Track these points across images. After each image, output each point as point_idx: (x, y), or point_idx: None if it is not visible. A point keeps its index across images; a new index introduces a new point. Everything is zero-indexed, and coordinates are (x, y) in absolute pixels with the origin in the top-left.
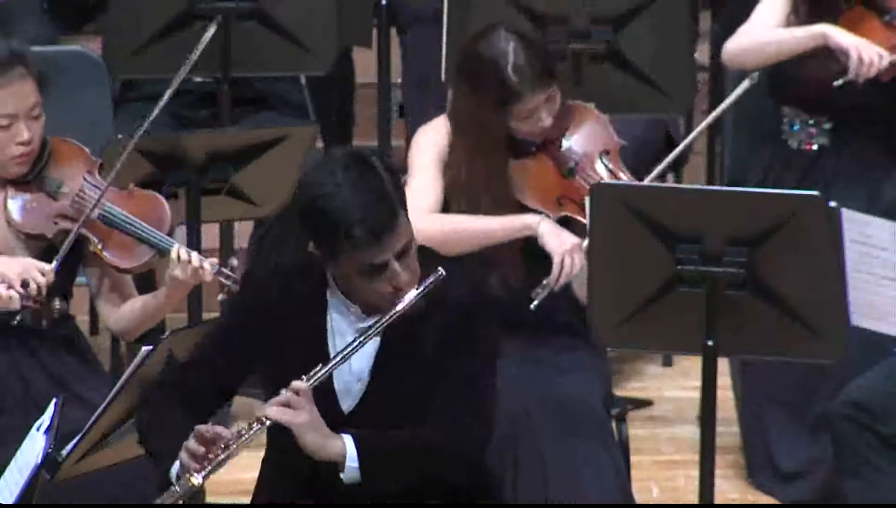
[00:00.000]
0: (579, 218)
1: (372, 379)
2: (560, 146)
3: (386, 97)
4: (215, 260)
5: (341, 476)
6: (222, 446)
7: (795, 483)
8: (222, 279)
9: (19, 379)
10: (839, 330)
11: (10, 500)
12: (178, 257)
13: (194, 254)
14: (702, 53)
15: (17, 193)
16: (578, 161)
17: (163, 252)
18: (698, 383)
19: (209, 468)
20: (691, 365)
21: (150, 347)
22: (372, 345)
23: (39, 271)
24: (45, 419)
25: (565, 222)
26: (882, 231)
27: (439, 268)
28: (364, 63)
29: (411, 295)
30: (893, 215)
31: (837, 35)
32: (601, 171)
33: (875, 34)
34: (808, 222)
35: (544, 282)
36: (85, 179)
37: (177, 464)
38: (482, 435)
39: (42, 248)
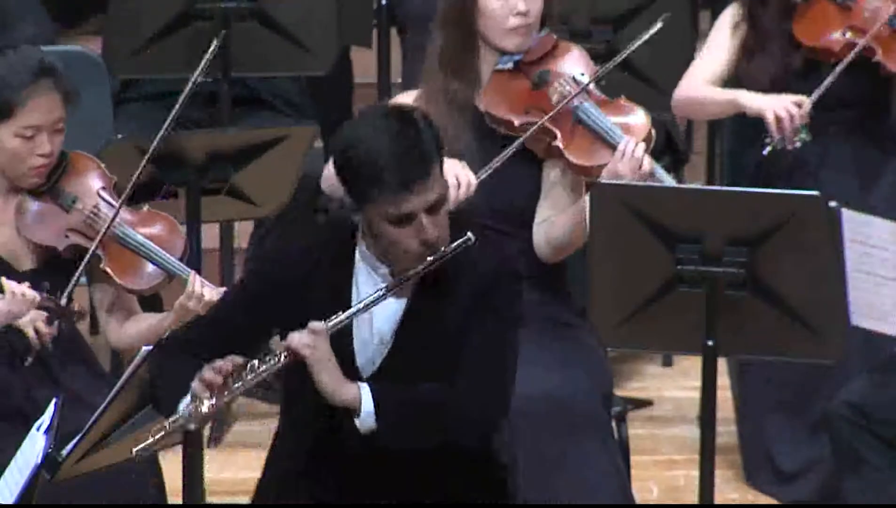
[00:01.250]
0: (539, 120)
1: (394, 343)
2: (537, 67)
3: (386, 97)
4: (225, 290)
5: (356, 423)
6: (235, 376)
7: (795, 483)
8: None
9: (19, 379)
10: (839, 330)
11: (10, 500)
12: (194, 289)
13: (207, 287)
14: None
15: (31, 201)
16: (550, 72)
17: (173, 277)
18: (698, 383)
19: (221, 396)
20: (691, 365)
21: (151, 347)
22: (397, 307)
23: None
24: (45, 419)
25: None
26: (882, 231)
27: (468, 233)
28: (364, 63)
29: (440, 253)
30: (891, 199)
31: (749, 101)
32: (571, 82)
33: (831, 18)
34: (808, 222)
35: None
36: (100, 195)
37: (185, 400)
38: (498, 400)
39: (48, 259)
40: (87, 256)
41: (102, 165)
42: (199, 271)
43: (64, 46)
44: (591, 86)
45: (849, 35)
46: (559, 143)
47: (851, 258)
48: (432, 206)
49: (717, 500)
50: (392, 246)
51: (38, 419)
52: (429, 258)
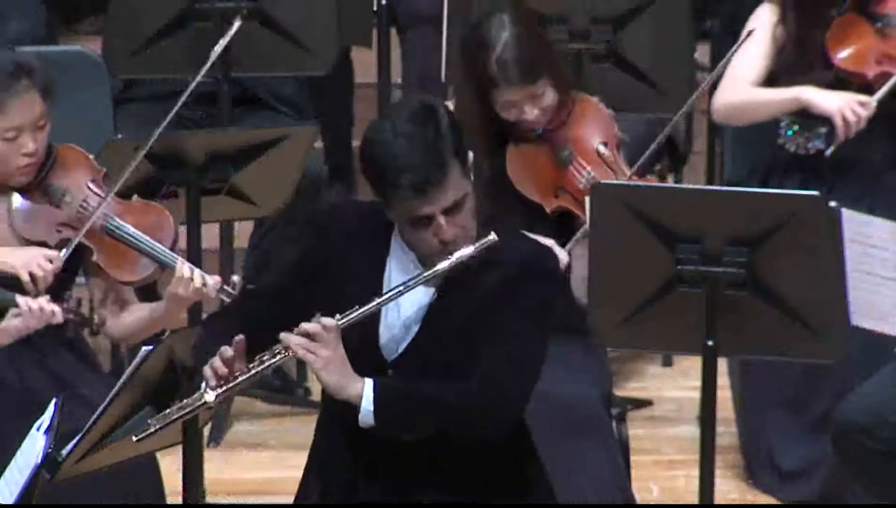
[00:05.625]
0: (575, 211)
1: (420, 331)
2: (559, 136)
3: (386, 97)
4: (218, 279)
5: (359, 417)
6: (243, 369)
7: (796, 482)
8: (224, 298)
9: (19, 379)
10: (839, 330)
11: (10, 500)
12: (182, 274)
13: (197, 271)
14: (702, 53)
15: (21, 199)
16: (574, 150)
17: (165, 267)
18: (698, 383)
19: (225, 387)
20: (691, 365)
21: (151, 347)
22: (426, 296)
23: (47, 259)
24: (45, 419)
25: (561, 216)
26: (882, 231)
27: (492, 233)
28: (364, 63)
29: (460, 254)
30: None
31: (817, 99)
32: (597, 161)
33: (866, 41)
34: (808, 222)
35: None
36: (89, 187)
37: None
38: (511, 395)
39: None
40: (72, 244)
41: (91, 157)
42: None
43: (64, 46)
44: (617, 155)
45: (883, 64)
46: None
47: (851, 258)
48: (450, 208)
49: (717, 500)
50: (415, 243)
51: (37, 416)
52: (451, 257)
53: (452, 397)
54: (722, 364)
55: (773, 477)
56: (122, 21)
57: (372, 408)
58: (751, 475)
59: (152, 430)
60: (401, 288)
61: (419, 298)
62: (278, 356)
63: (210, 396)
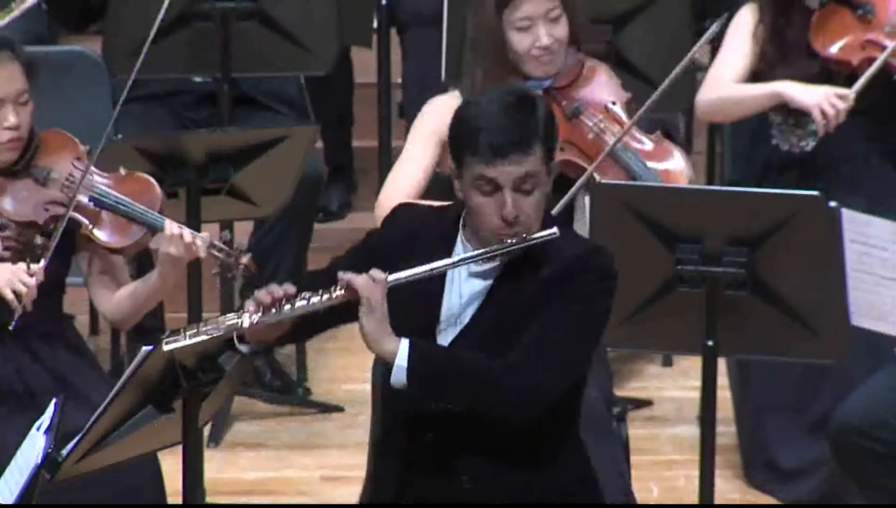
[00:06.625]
0: (580, 162)
1: (469, 323)
2: (567, 94)
3: (386, 97)
4: (207, 234)
5: (392, 377)
6: (285, 301)
7: (796, 482)
8: (215, 253)
9: (19, 380)
10: (839, 330)
11: (10, 500)
12: (171, 232)
13: (186, 229)
14: (702, 53)
15: (6, 183)
16: (584, 103)
17: (154, 229)
18: (698, 383)
19: (264, 314)
20: (691, 365)
21: (151, 347)
22: (483, 286)
23: (28, 274)
24: (45, 419)
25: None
26: (882, 231)
27: (554, 226)
28: (364, 63)
29: (517, 240)
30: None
31: (796, 94)
32: (607, 114)
33: (849, 29)
34: (808, 222)
35: None
36: (73, 165)
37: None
38: (542, 381)
39: (34, 237)
40: (63, 218)
41: (75, 138)
42: (198, 272)
43: (64, 46)
44: (625, 115)
45: (867, 49)
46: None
47: (851, 258)
48: (519, 183)
49: (717, 500)
50: (477, 218)
51: (37, 416)
52: (509, 241)
53: (484, 371)
54: (722, 364)
55: (773, 477)
56: (122, 21)
57: (405, 365)
58: (751, 475)
59: (184, 341)
60: (454, 260)
61: (476, 291)
62: (325, 295)
63: (246, 320)
